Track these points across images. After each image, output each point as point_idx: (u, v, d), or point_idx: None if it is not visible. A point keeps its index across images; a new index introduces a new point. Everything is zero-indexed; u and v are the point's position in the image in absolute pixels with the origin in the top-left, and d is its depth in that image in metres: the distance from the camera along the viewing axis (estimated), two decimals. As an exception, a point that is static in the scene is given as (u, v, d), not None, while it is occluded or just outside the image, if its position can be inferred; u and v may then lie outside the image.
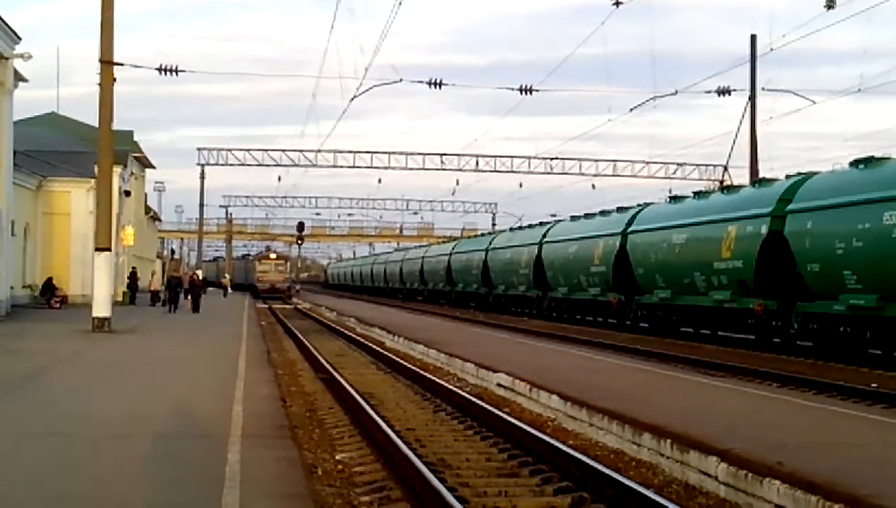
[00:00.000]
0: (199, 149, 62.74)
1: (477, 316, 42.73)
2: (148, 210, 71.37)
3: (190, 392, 13.45)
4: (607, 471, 8.90)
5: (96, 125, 27.16)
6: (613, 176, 62.98)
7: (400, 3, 26.38)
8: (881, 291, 19.71)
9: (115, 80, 26.07)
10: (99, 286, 25.79)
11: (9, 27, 32.20)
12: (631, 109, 41.56)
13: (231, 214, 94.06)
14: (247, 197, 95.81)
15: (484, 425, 12.35)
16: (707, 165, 60.45)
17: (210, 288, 69.48)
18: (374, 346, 25.13)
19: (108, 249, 26.41)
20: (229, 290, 72.90)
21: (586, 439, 11.72)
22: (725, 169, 50.43)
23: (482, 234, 67.79)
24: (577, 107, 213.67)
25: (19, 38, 33.32)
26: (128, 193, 51.80)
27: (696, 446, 9.45)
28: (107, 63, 25.92)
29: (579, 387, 13.98)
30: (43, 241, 43.72)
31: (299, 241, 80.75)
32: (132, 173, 54.97)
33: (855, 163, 21.86)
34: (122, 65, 26.64)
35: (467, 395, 14.53)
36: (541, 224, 47.26)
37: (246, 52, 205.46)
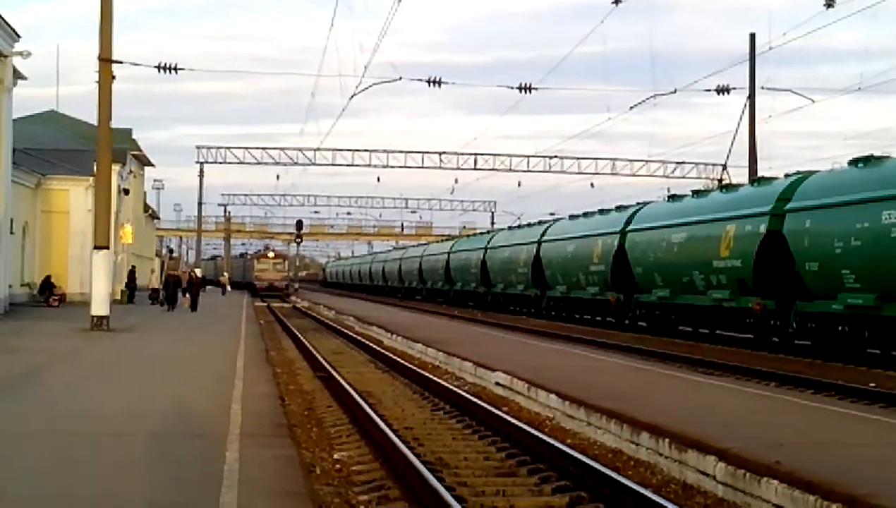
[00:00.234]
0: (197, 148, 62.72)
1: (475, 315, 42.73)
2: (146, 208, 71.33)
3: (188, 390, 13.45)
4: (605, 470, 8.90)
5: (95, 123, 27.16)
6: (612, 174, 62.93)
7: (399, 2, 26.37)
8: (879, 291, 19.71)
9: (114, 78, 26.05)
10: (97, 284, 25.78)
11: (8, 25, 32.17)
12: (630, 108, 41.49)
13: (230, 212, 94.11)
14: (245, 195, 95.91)
15: (482, 424, 12.35)
16: (706, 164, 60.39)
17: (208, 287, 69.48)
18: (372, 345, 25.13)
19: (107, 247, 26.40)
20: (228, 288, 72.89)
21: (584, 438, 11.72)
22: (724, 167, 50.37)
23: (481, 233, 67.81)
24: (577, 106, 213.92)
25: (19, 36, 33.31)
26: (126, 191, 51.77)
27: (695, 445, 9.45)
28: (106, 61, 25.91)
29: (577, 386, 13.98)
30: (41, 239, 43.69)
31: (298, 240, 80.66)
32: (131, 171, 54.93)
33: (854, 162, 21.86)
34: (121, 63, 26.64)
35: (465, 394, 14.53)
36: (539, 222, 47.28)
37: (245, 51, 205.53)
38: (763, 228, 23.90)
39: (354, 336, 29.06)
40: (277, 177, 75.18)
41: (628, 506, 8.02)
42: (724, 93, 39.85)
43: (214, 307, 43.41)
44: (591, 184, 67.13)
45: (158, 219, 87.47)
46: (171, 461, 8.56)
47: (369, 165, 62.10)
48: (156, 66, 30.15)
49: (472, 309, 49.69)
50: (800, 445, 9.43)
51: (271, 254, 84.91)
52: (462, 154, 61.97)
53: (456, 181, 76.20)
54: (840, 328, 21.31)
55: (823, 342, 21.88)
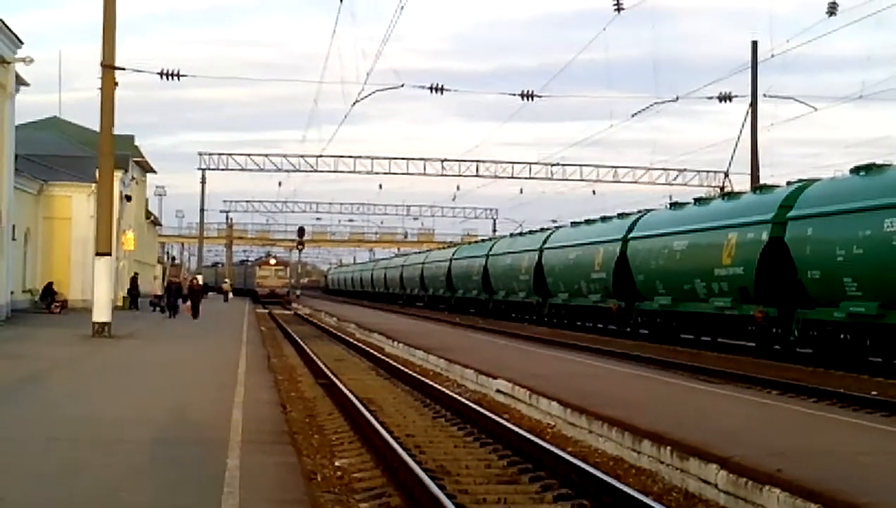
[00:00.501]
0: (200, 154, 62.82)
1: (477, 322, 42.71)
2: (149, 214, 71.39)
3: (190, 397, 13.44)
4: (607, 478, 8.89)
5: (98, 129, 27.19)
6: (614, 182, 63.03)
7: (402, 9, 26.45)
8: (882, 299, 19.69)
9: (116, 84, 26.08)
10: (99, 291, 25.78)
11: (10, 31, 32.24)
12: (632, 115, 41.60)
13: (231, 219, 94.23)
14: (247, 202, 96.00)
15: (483, 431, 12.34)
16: (708, 172, 60.43)
17: (210, 294, 69.51)
18: (373, 352, 25.13)
19: (109, 254, 26.41)
20: (230, 295, 72.93)
21: (586, 446, 11.71)
22: (726, 175, 50.42)
23: (483, 240, 67.82)
24: (579, 113, 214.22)
25: (21, 43, 33.36)
26: (129, 198, 51.80)
27: (696, 453, 9.44)
28: (108, 67, 25.94)
29: (579, 394, 13.97)
30: (43, 246, 43.70)
31: (300, 246, 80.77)
32: (133, 178, 54.99)
33: (856, 170, 21.86)
34: (123, 69, 26.68)
35: (467, 401, 14.52)
36: (541, 230, 47.25)
37: (248, 57, 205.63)
38: (765, 236, 23.89)
39: (356, 343, 29.06)
40: (279, 183, 75.17)
41: (630, 514, 8.00)
42: (726, 101, 39.91)
43: (216, 314, 43.42)
44: (593, 192, 67.36)
45: (160, 225, 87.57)
46: (172, 467, 8.56)
47: (371, 172, 62.24)
48: (158, 73, 30.21)
49: (473, 317, 49.66)
50: (802, 453, 9.42)
51: (273, 261, 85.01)
52: (464, 161, 62.10)
53: (458, 188, 76.31)
54: (842, 336, 21.28)
55: (825, 350, 21.85)
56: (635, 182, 62.69)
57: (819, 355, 22.03)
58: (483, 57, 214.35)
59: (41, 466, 8.50)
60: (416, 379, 18.25)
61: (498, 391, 16.28)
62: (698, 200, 31.05)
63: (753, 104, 38.69)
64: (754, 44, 38.16)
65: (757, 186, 30.41)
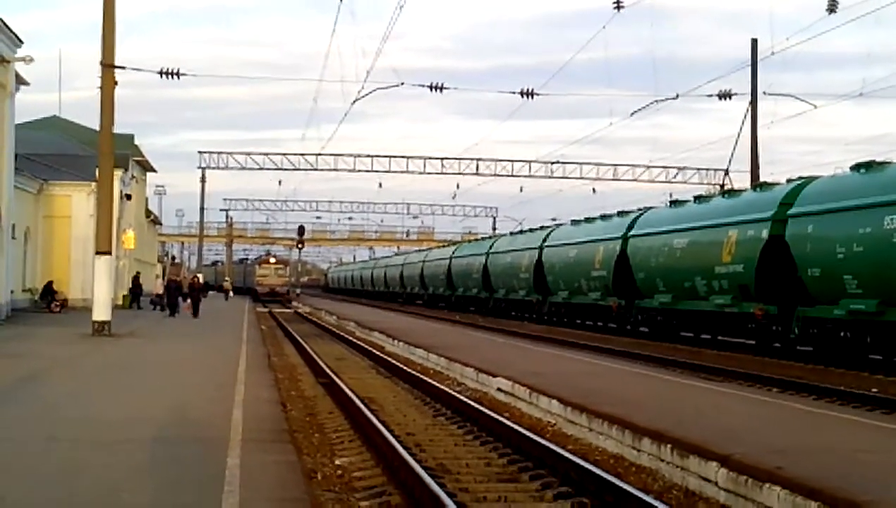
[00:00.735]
0: (200, 153, 62.89)
1: (477, 321, 42.72)
2: (148, 213, 71.37)
3: (190, 396, 13.44)
4: (607, 476, 8.89)
5: (98, 129, 27.18)
6: (614, 180, 63.03)
7: (401, 7, 26.43)
8: (882, 296, 19.70)
9: (116, 83, 26.08)
10: (99, 290, 25.79)
11: (10, 30, 32.23)
12: (632, 113, 41.56)
13: (231, 218, 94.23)
14: (247, 200, 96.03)
15: (484, 430, 12.34)
16: (708, 169, 60.45)
17: (210, 292, 69.49)
18: (374, 350, 25.13)
19: (109, 253, 26.42)
20: (231, 294, 72.92)
21: (586, 444, 11.71)
22: (726, 173, 50.44)
23: (483, 238, 67.83)
24: (579, 111, 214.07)
25: (21, 42, 33.36)
26: (129, 197, 51.79)
27: (696, 451, 9.44)
28: (108, 66, 25.93)
29: (579, 392, 13.97)
30: (43, 245, 43.71)
31: (300, 245, 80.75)
32: (133, 177, 54.99)
33: (856, 168, 21.86)
34: (123, 68, 26.67)
35: (467, 400, 14.52)
36: (541, 228, 47.27)
37: (248, 56, 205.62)
38: (765, 234, 23.89)
39: (356, 341, 29.06)
40: (279, 182, 75.31)
41: (630, 512, 8.00)
42: (726, 99, 39.90)
43: (216, 312, 43.42)
44: (593, 190, 67.39)
45: (160, 224, 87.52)
46: (172, 466, 8.56)
47: (371, 171, 62.23)
48: (158, 72, 30.16)
49: (473, 315, 49.68)
50: (802, 451, 9.42)
51: (273, 260, 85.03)
52: (464, 159, 62.09)
53: (458, 186, 76.13)
54: (842, 333, 21.28)
55: (825, 347, 21.85)
56: (635, 180, 62.72)
57: (819, 353, 22.03)
58: (482, 55, 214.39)
59: (41, 465, 8.50)
60: (416, 377, 18.25)
61: (498, 389, 16.28)
62: (698, 198, 31.05)
63: (753, 102, 38.73)
64: (754, 41, 38.25)
65: (757, 184, 30.41)
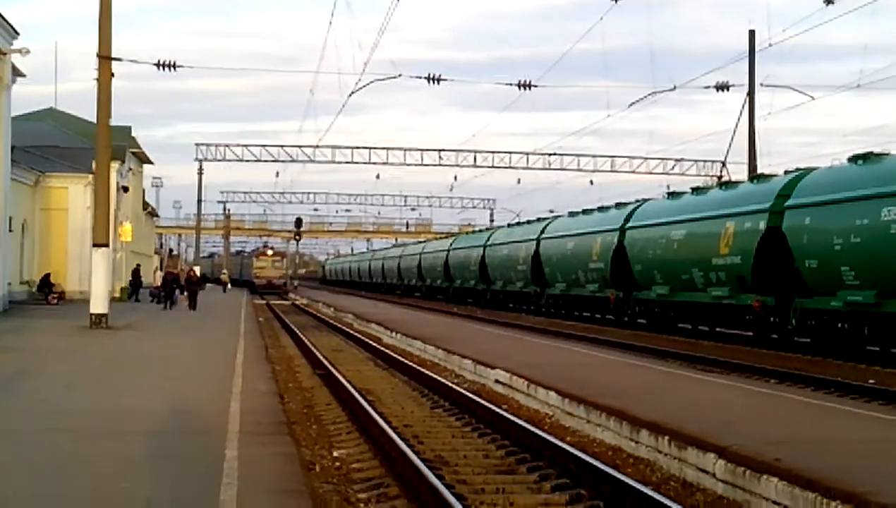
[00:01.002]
0: (197, 145, 62.67)
1: (475, 313, 42.73)
2: (146, 206, 71.25)
3: (187, 388, 13.44)
4: (605, 468, 8.89)
5: (94, 121, 27.14)
6: (612, 171, 62.88)
7: (398, -1, 26.33)
8: (879, 287, 19.71)
9: (113, 75, 26.04)
10: (96, 282, 25.78)
11: (6, 22, 32.13)
12: (630, 105, 41.49)
13: (229, 210, 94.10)
14: (245, 193, 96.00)
15: (482, 422, 12.34)
16: (705, 161, 60.33)
17: (207, 285, 69.46)
18: (371, 342, 25.13)
19: (106, 245, 26.40)
20: (228, 286, 72.86)
21: (584, 436, 11.71)
22: (724, 164, 50.35)
23: (480, 230, 67.79)
24: (576, 103, 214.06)
25: (17, 33, 33.27)
26: (126, 189, 51.69)
27: (694, 442, 9.45)
28: (105, 58, 25.89)
29: (577, 384, 13.98)
30: (40, 237, 43.66)
31: (297, 237, 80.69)
32: (130, 169, 54.86)
33: (853, 159, 21.86)
34: (120, 60, 26.60)
35: (465, 392, 14.52)
36: (539, 220, 47.25)
37: (245, 48, 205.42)
38: (762, 225, 23.89)
39: (354, 333, 29.05)
40: (277, 174, 75.12)
41: (628, 504, 8.01)
42: (723, 90, 39.87)
43: (213, 305, 43.41)
44: (591, 182, 67.14)
45: (158, 216, 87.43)
46: (170, 458, 8.56)
47: (368, 162, 62.08)
48: (155, 64, 30.06)
49: (471, 307, 49.69)
50: (799, 442, 9.43)
51: (270, 252, 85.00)
52: (461, 151, 61.92)
53: (455, 178, 76.10)
54: (839, 325, 21.31)
55: (823, 339, 21.87)
56: (633, 171, 62.60)
57: (817, 344, 22.05)
58: (480, 47, 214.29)
59: (40, 458, 8.50)
60: (414, 369, 18.25)
61: (496, 381, 16.28)
62: (696, 190, 31.04)
63: (751, 93, 38.65)
64: (752, 33, 38.11)
65: (754, 175, 30.41)
